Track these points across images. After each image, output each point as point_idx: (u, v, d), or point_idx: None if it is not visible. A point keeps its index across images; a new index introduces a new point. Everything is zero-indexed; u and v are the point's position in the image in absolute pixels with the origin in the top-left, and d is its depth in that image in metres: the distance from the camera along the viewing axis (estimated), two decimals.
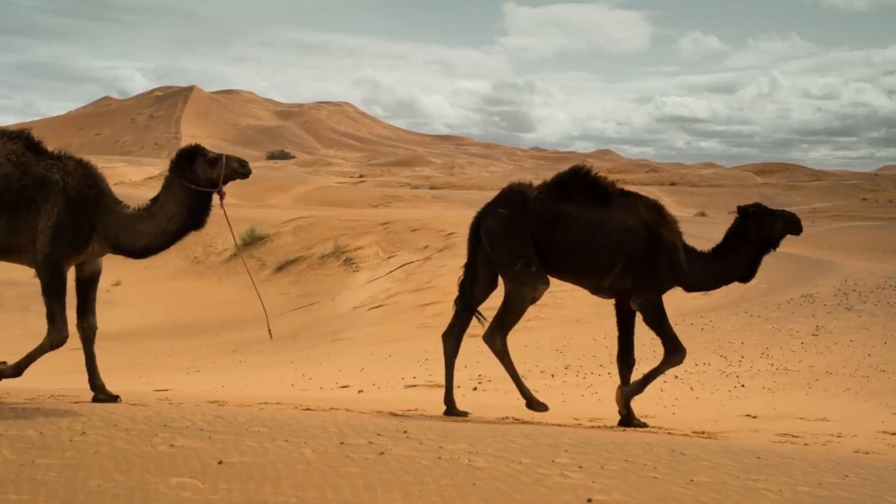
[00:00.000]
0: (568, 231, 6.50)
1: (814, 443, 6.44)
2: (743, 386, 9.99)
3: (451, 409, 6.70)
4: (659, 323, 6.75)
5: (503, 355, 6.82)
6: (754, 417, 7.82)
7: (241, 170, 6.16)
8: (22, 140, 6.23)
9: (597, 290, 6.84)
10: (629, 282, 6.63)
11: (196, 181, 6.09)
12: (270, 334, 7.26)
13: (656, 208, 6.78)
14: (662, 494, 3.78)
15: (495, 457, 4.29)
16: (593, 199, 6.61)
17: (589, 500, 3.64)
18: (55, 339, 6.12)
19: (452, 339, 6.88)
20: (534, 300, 6.67)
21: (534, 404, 6.77)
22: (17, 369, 6.28)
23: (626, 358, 6.97)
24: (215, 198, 6.12)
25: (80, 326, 6.29)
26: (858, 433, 7.06)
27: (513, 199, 6.60)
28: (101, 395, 6.30)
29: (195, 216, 6.17)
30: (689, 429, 6.79)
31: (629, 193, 6.83)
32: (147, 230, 6.21)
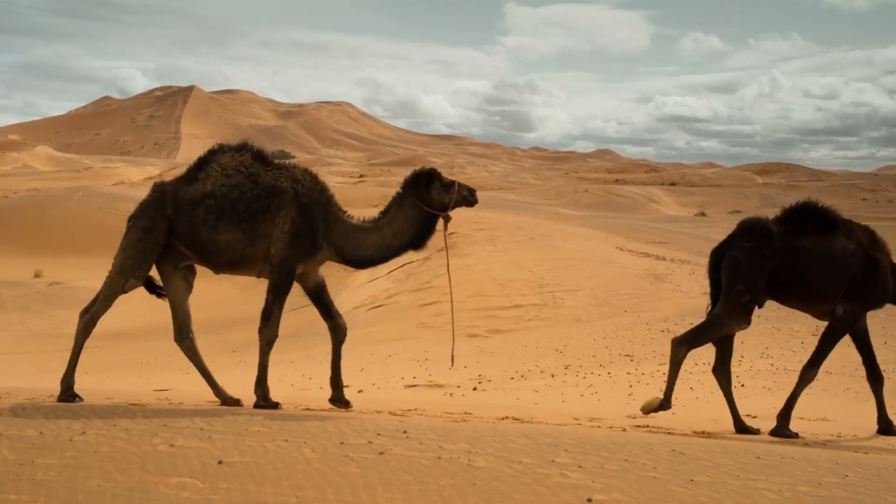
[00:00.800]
0: (806, 263, 6.81)
1: (814, 443, 6.44)
2: (743, 386, 10.00)
3: (744, 428, 6.79)
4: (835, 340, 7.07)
5: (676, 365, 6.91)
6: (754, 417, 7.81)
7: (469, 198, 6.35)
8: (248, 151, 6.39)
9: (825, 315, 7.08)
10: (847, 303, 6.94)
11: (428, 203, 6.26)
12: (453, 361, 7.39)
13: (870, 232, 7.11)
14: (662, 494, 3.78)
15: (495, 457, 4.29)
16: (823, 229, 6.93)
17: (589, 500, 3.64)
18: (269, 335, 6.27)
19: (723, 374, 7.04)
20: (728, 332, 6.89)
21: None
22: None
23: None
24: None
25: (331, 329, 6.45)
26: (858, 433, 7.06)
27: (759, 234, 6.84)
28: (339, 396, 6.42)
29: (420, 236, 6.36)
30: (689, 429, 6.79)
31: (846, 220, 7.13)
32: (371, 242, 6.38)
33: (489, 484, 3.84)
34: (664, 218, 43.15)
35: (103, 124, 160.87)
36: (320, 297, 6.52)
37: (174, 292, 6.59)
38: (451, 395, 9.79)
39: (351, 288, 23.13)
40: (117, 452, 4.27)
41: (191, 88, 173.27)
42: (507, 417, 6.76)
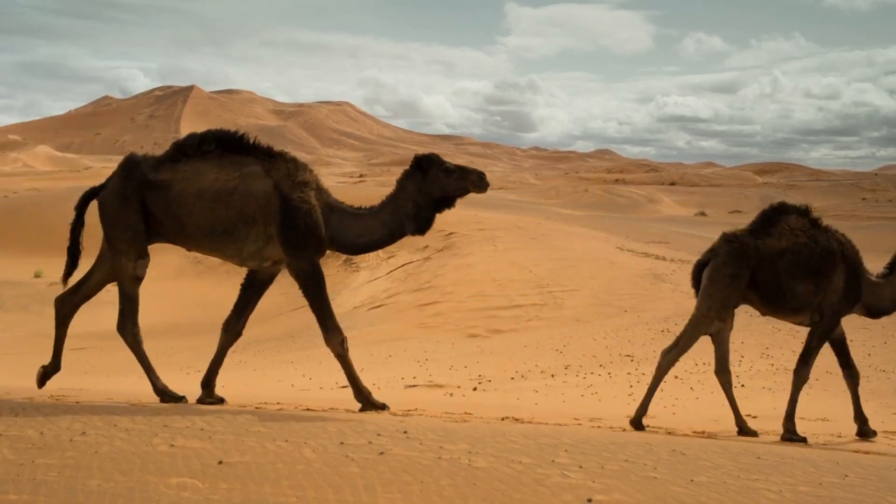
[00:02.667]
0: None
1: (814, 443, 6.44)
2: (743, 386, 9.99)
3: (744, 429, 6.75)
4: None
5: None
6: (754, 417, 7.81)
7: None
8: (806, 216, 6.84)
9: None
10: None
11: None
12: None
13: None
14: (662, 494, 3.78)
15: (495, 457, 4.28)
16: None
17: (589, 500, 3.64)
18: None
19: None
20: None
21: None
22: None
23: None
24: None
25: None
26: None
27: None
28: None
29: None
30: (689, 429, 6.79)
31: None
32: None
33: (489, 484, 3.83)
34: (664, 218, 43.15)
35: (103, 124, 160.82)
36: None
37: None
38: (451, 395, 9.80)
39: (351, 288, 23.13)
40: (117, 452, 4.26)
41: (190, 88, 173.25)
42: (507, 417, 6.76)
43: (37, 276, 26.00)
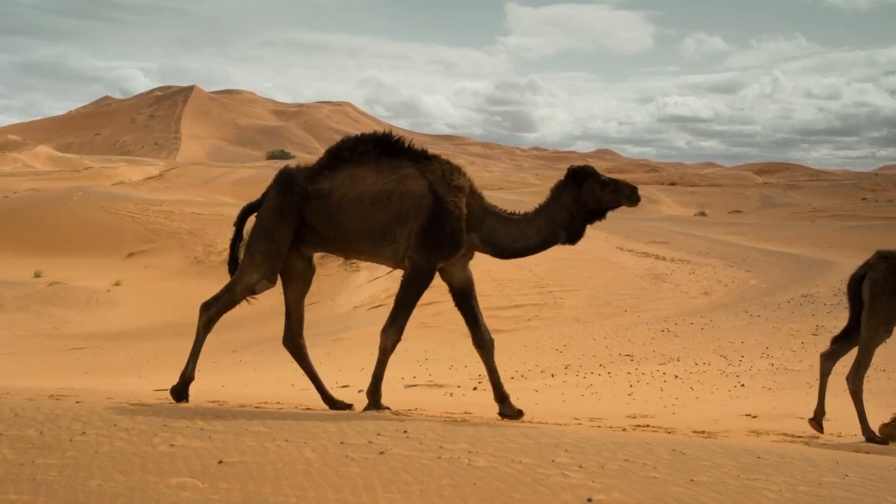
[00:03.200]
0: None
1: (814, 443, 6.45)
2: (743, 386, 9.99)
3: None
4: None
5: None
6: (754, 417, 7.82)
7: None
8: None
9: None
10: None
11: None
12: None
13: None
14: (662, 494, 3.78)
15: (495, 457, 4.29)
16: None
17: (589, 500, 3.64)
18: None
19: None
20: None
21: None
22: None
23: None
24: None
25: None
26: (858, 433, 7.06)
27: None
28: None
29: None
30: (689, 429, 6.79)
31: None
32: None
33: (489, 484, 3.83)
34: (664, 218, 43.15)
35: (103, 124, 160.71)
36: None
37: None
38: (451, 395, 9.80)
39: (351, 288, 23.12)
40: (117, 452, 4.26)
41: (191, 88, 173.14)
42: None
43: (37, 276, 26.01)
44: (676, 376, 10.71)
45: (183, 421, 5.05)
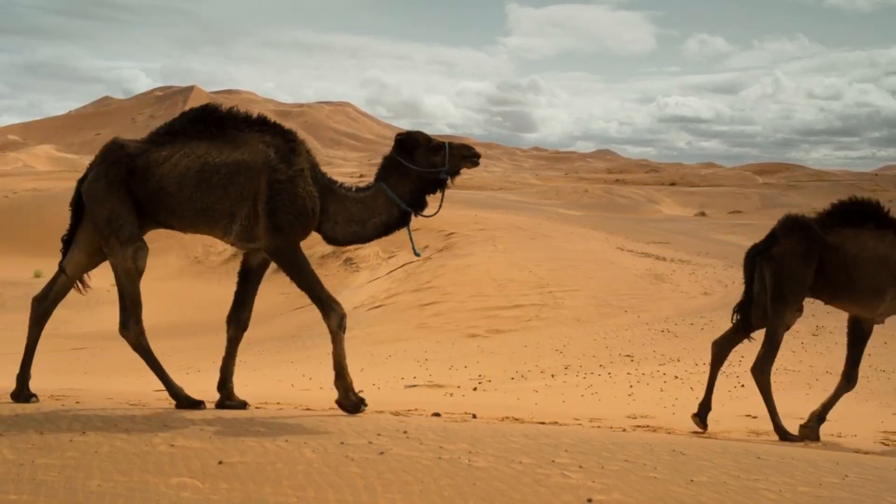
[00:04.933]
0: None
1: (814, 443, 6.45)
2: (743, 386, 9.99)
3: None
4: None
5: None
6: (754, 417, 7.82)
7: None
8: None
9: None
10: None
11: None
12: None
13: None
14: (662, 494, 3.78)
15: (495, 457, 4.28)
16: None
17: (589, 500, 3.64)
18: None
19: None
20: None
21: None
22: None
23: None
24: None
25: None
26: (858, 433, 7.07)
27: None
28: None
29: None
30: (689, 429, 6.79)
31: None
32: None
33: (489, 484, 3.83)
34: (664, 218, 43.14)
35: (103, 124, 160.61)
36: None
37: None
38: (451, 395, 9.80)
39: (351, 288, 23.12)
40: (117, 452, 4.26)
41: (191, 89, 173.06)
42: (507, 417, 6.76)
43: (37, 275, 25.99)
44: (676, 377, 10.71)
45: (183, 421, 5.05)
